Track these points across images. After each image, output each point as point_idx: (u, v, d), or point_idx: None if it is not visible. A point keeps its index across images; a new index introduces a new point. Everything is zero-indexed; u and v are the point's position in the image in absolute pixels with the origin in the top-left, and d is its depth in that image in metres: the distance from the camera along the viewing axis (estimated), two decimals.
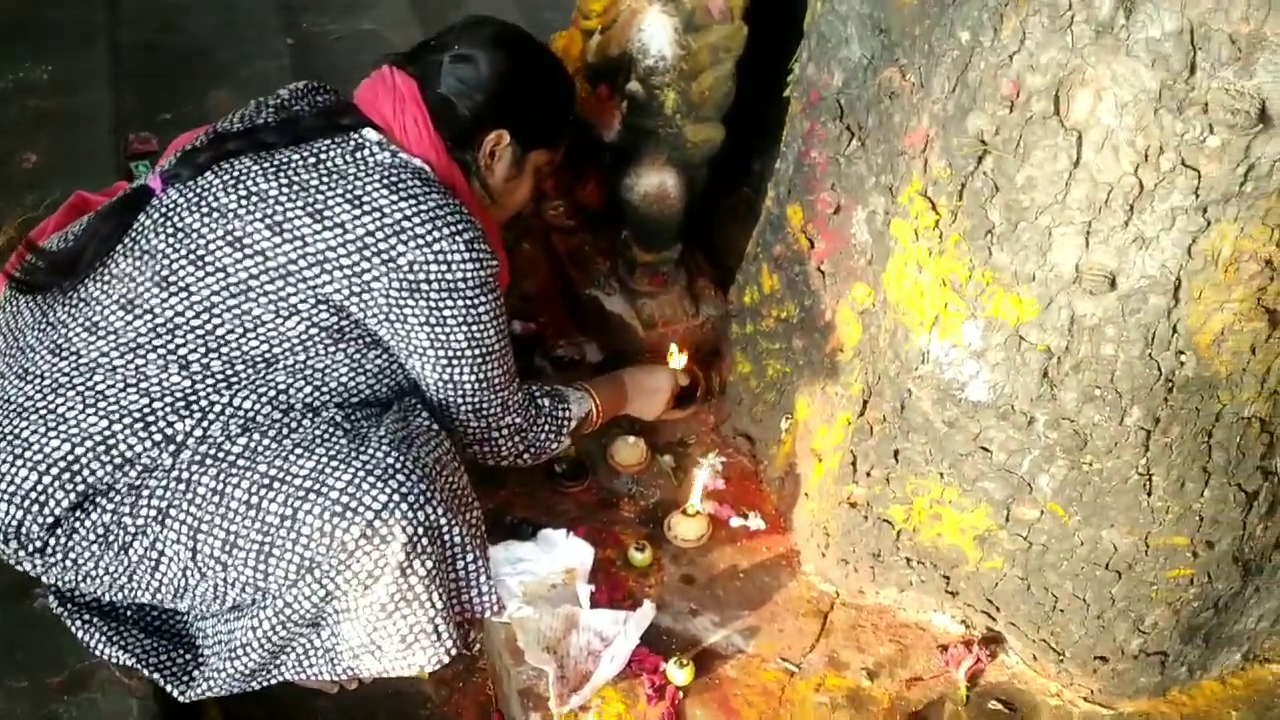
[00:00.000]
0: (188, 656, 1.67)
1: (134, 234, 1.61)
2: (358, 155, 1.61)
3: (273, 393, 1.58)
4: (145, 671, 1.63)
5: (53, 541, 1.52)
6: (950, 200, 1.42)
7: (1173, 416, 1.44)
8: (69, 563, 1.54)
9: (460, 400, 1.71)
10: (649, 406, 2.09)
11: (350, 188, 1.57)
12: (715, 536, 1.97)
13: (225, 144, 1.62)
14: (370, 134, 1.64)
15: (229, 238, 1.55)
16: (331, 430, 1.56)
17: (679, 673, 1.69)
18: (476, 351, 1.66)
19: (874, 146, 1.61)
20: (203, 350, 1.55)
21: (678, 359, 2.13)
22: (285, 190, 1.56)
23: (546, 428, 1.87)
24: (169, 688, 1.63)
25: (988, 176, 1.36)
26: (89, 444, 1.50)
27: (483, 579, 1.66)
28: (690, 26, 2.05)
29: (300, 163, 1.60)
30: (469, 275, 1.59)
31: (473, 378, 1.68)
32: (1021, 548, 1.64)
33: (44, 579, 1.58)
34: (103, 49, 2.90)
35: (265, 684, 1.66)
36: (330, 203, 1.55)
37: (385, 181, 1.58)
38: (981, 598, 1.76)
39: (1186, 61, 1.16)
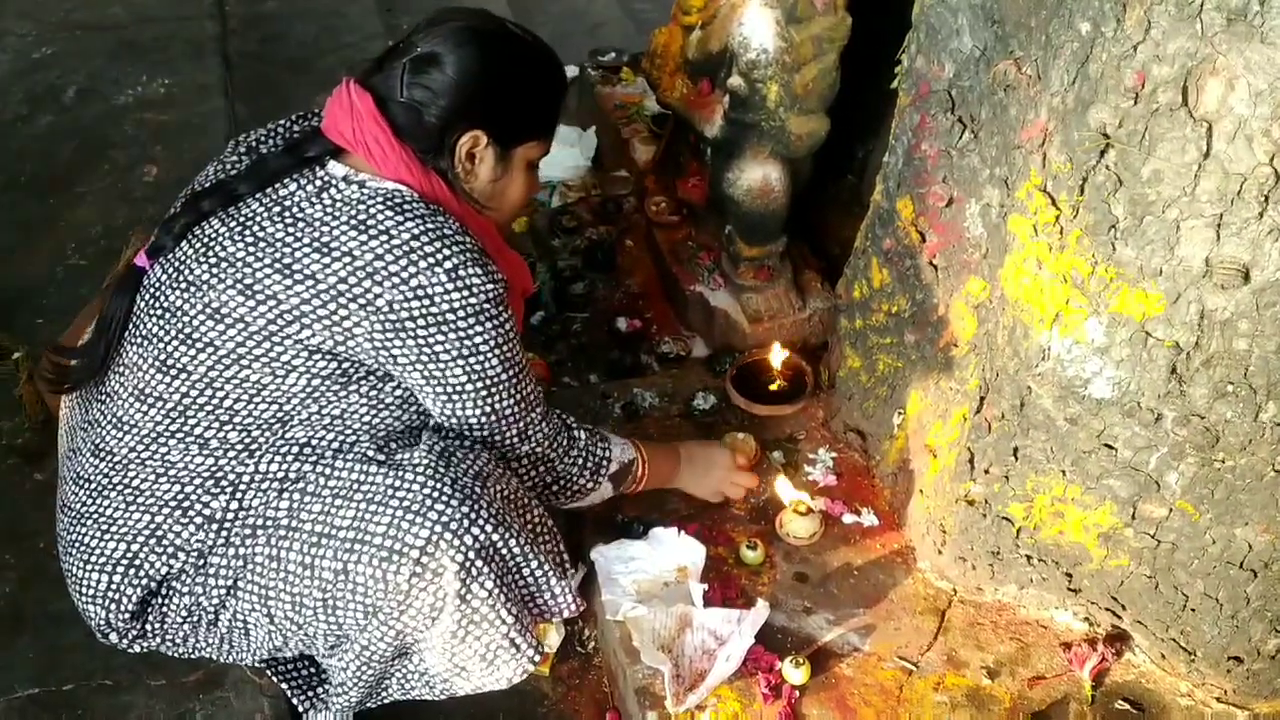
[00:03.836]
0: (312, 670, 1.71)
1: (135, 319, 1.57)
2: (324, 196, 1.49)
3: (295, 448, 1.54)
4: (274, 679, 1.68)
5: (146, 628, 1.57)
6: (1071, 195, 1.38)
7: None
8: (170, 642, 1.60)
9: (469, 432, 1.61)
10: (700, 484, 1.99)
11: (318, 235, 1.46)
12: (828, 534, 1.96)
13: (200, 204, 1.53)
14: (336, 169, 1.51)
15: (208, 310, 1.48)
16: (365, 469, 1.52)
17: (795, 672, 1.68)
18: (478, 385, 1.54)
19: (987, 139, 1.57)
20: (216, 425, 1.51)
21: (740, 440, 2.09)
22: (252, 250, 1.47)
23: (579, 461, 1.76)
24: (295, 699, 1.68)
25: (1111, 170, 1.32)
26: (140, 540, 1.53)
27: (553, 580, 1.62)
28: (792, 18, 2.03)
29: (265, 215, 1.49)
30: (457, 305, 1.47)
31: (478, 411, 1.57)
32: (1149, 546, 1.60)
33: (162, 651, 1.63)
34: (215, 61, 2.98)
35: (379, 704, 1.71)
36: (299, 254, 1.45)
37: (353, 222, 1.46)
38: (1106, 595, 1.72)
39: None
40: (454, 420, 1.58)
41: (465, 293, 1.47)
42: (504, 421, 1.61)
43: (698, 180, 2.51)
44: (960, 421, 1.74)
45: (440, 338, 1.48)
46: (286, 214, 1.48)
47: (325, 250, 1.45)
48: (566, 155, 2.88)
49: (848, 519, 1.99)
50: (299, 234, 1.46)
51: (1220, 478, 1.48)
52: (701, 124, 2.29)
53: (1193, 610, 1.63)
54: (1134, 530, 1.59)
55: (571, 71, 3.27)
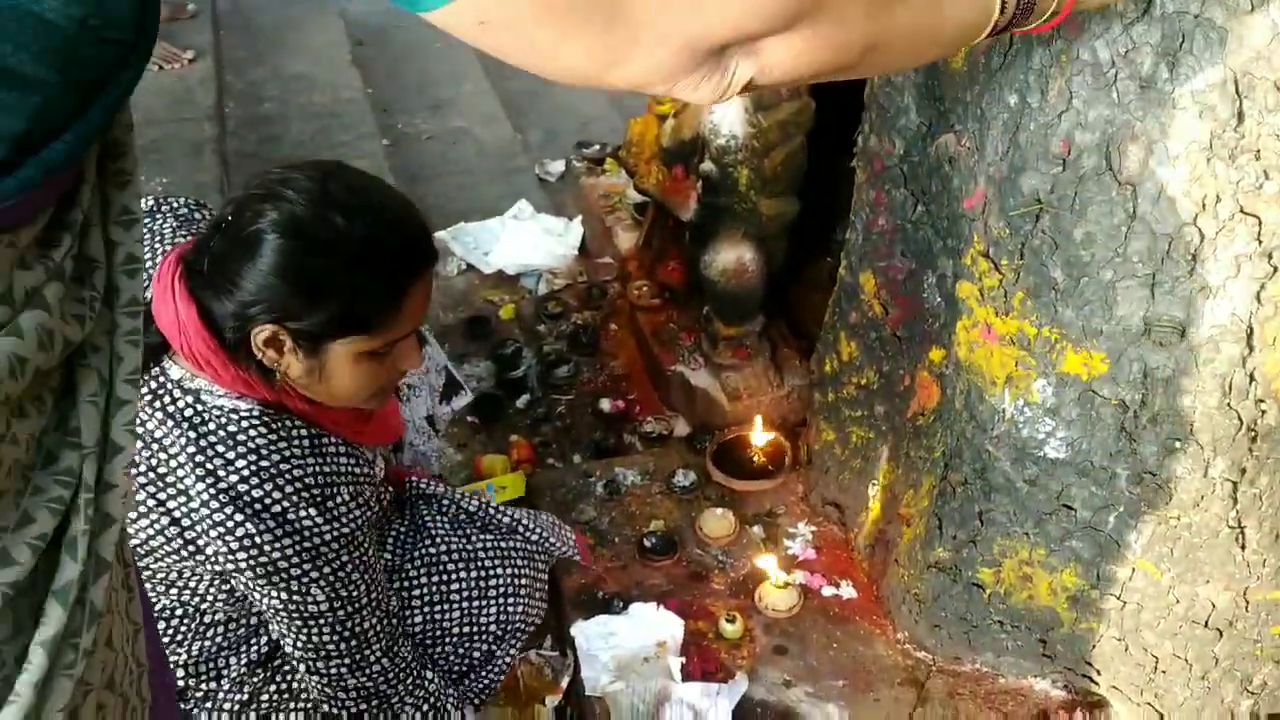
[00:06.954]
0: None
1: None
2: (159, 404, 1.35)
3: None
4: None
5: None
6: (1012, 259, 1.42)
7: (1259, 466, 1.41)
8: None
9: (295, 651, 1.48)
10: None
11: (155, 463, 1.35)
12: (807, 606, 1.97)
13: None
14: (172, 370, 1.36)
15: None
16: None
17: None
18: (293, 612, 1.40)
19: (938, 211, 1.63)
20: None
21: None
22: None
23: (422, 706, 1.62)
24: None
25: (1046, 234, 1.37)
26: None
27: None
28: (759, 105, 2.11)
29: None
30: (290, 553, 1.34)
31: (294, 635, 1.44)
32: (1115, 607, 1.61)
33: None
34: (213, 160, 3.07)
35: None
36: (141, 482, 1.34)
37: (189, 451, 1.33)
38: (1080, 661, 1.72)
39: (1233, 110, 1.16)
40: (280, 636, 1.48)
41: (296, 539, 1.35)
42: (326, 653, 1.46)
43: (677, 264, 2.57)
44: (929, 489, 1.76)
45: (268, 587, 1.37)
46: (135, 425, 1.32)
47: (162, 482, 1.36)
48: (554, 244, 2.95)
49: (827, 591, 2.00)
50: (141, 456, 1.35)
51: (1177, 535, 1.50)
52: (677, 209, 2.36)
53: (1163, 672, 1.63)
54: (1100, 592, 1.60)
55: (560, 166, 3.39)
